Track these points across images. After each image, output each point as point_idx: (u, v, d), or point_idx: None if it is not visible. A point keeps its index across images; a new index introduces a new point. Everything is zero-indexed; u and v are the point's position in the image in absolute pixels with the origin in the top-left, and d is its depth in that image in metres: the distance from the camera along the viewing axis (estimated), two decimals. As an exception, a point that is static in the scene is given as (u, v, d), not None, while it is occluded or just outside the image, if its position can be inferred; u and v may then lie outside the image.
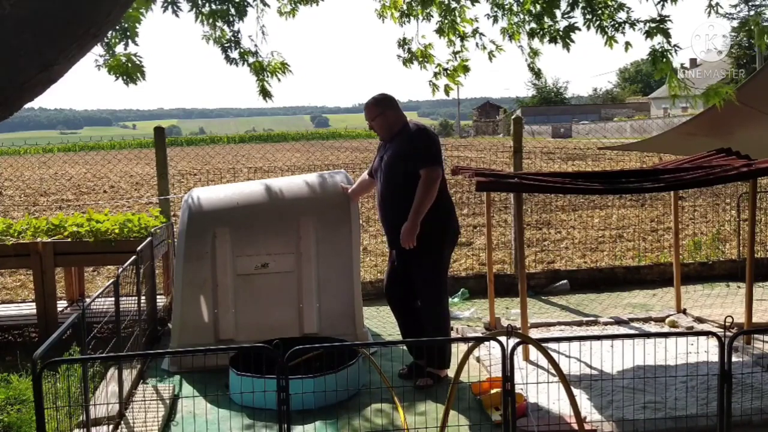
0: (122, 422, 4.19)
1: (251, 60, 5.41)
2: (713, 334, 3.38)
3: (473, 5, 5.68)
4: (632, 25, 5.07)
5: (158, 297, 6.44)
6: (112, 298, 4.29)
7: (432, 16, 5.85)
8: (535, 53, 5.76)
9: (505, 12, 5.66)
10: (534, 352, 5.09)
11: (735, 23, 46.85)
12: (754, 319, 5.44)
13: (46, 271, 6.05)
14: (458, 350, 5.26)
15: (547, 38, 5.41)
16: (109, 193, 17.63)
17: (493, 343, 3.40)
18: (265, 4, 5.50)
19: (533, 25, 5.47)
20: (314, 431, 4.22)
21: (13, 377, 4.95)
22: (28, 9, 2.37)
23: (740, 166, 5.20)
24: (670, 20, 4.85)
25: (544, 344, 3.70)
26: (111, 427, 4.08)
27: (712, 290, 7.35)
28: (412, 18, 5.88)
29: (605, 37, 5.16)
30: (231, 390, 4.68)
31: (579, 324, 6.13)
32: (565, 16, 5.25)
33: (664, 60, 4.86)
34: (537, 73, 6.02)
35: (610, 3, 5.15)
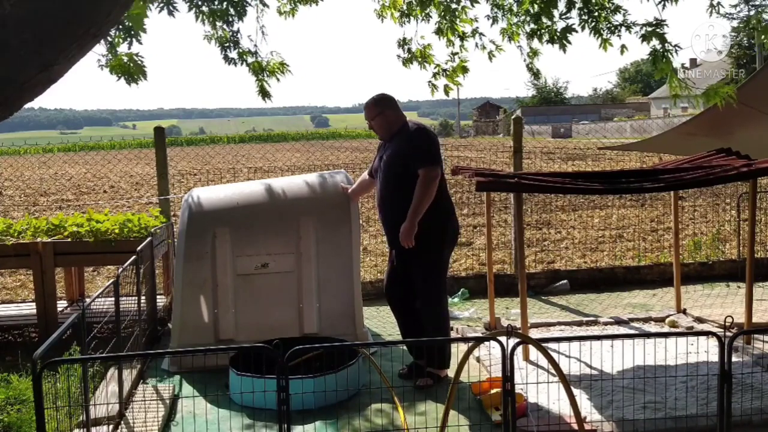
0: (122, 422, 4.19)
1: (250, 60, 5.41)
2: (713, 334, 3.38)
3: (473, 6, 5.68)
4: (628, 28, 5.07)
5: (158, 297, 6.44)
6: (112, 298, 4.29)
7: (431, 17, 5.85)
8: (534, 53, 5.76)
9: (505, 13, 5.66)
10: (534, 352, 5.09)
11: (735, 23, 46.89)
12: (754, 319, 5.44)
13: (46, 271, 6.05)
14: (458, 350, 5.25)
15: (546, 39, 5.41)
16: (109, 193, 17.63)
17: (493, 343, 3.40)
18: (264, 4, 5.49)
19: (533, 25, 5.47)
20: (314, 431, 4.22)
21: (13, 377, 4.95)
22: (28, 9, 2.37)
23: (740, 166, 5.20)
24: (666, 24, 4.85)
25: (544, 344, 3.70)
26: (111, 427, 4.08)
27: (712, 290, 7.35)
28: (411, 18, 5.88)
29: (600, 39, 5.16)
30: (231, 390, 4.68)
31: (579, 324, 6.13)
32: (563, 17, 5.25)
33: (664, 60, 4.85)
34: (536, 74, 6.02)
35: (606, 5, 5.15)
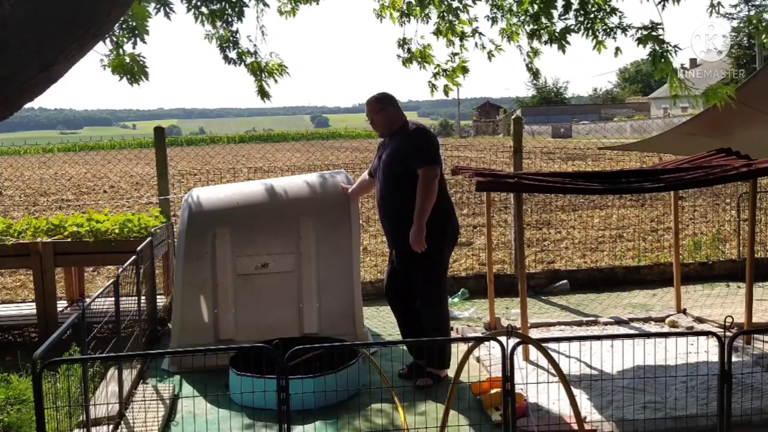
0: (122, 422, 4.19)
1: (249, 60, 5.41)
2: (713, 334, 3.38)
3: (475, 3, 5.68)
4: (624, 30, 5.07)
5: (158, 297, 6.44)
6: (112, 298, 4.29)
7: (430, 18, 5.85)
8: (535, 53, 5.76)
9: (505, 13, 5.66)
10: (534, 352, 5.09)
11: (735, 23, 46.90)
12: (754, 319, 5.44)
13: (46, 271, 6.05)
14: (458, 350, 5.26)
15: (545, 39, 5.41)
16: (109, 193, 17.63)
17: (493, 343, 3.40)
18: (264, 4, 5.50)
19: (532, 26, 5.47)
20: (314, 431, 4.22)
21: (13, 377, 4.95)
22: (28, 9, 2.37)
23: (740, 166, 5.20)
24: (662, 27, 4.85)
25: (544, 344, 3.70)
26: (111, 427, 4.08)
27: (712, 290, 7.35)
28: (411, 18, 5.88)
29: (594, 41, 5.16)
30: (231, 390, 4.68)
31: (579, 324, 6.13)
32: (561, 18, 5.26)
33: (663, 61, 4.85)
34: (535, 74, 6.02)
35: (603, 6, 5.15)
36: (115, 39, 4.32)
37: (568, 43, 5.31)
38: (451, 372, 4.94)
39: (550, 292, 7.54)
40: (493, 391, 4.31)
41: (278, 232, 5.47)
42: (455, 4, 5.73)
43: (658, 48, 4.84)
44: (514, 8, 5.62)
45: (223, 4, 5.22)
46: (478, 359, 5.22)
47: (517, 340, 3.33)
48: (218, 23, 5.29)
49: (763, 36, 5.01)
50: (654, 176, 5.30)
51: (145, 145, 31.43)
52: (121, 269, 4.54)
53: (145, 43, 4.33)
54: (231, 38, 5.38)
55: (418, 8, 5.79)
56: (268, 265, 5.40)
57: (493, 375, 4.77)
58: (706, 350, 5.21)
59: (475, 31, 5.87)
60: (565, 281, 7.66)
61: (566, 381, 3.42)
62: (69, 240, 6.12)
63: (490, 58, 5.94)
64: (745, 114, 6.08)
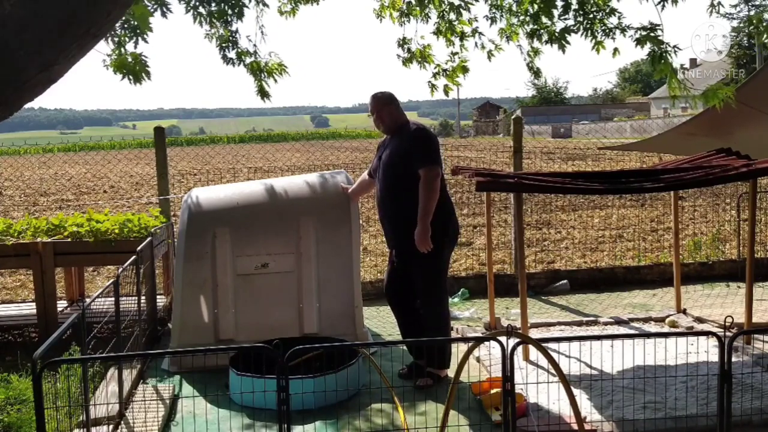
0: (122, 422, 4.19)
1: (248, 60, 5.41)
2: (713, 334, 3.38)
3: (476, 2, 5.68)
4: (623, 31, 5.07)
5: (158, 297, 6.44)
6: (112, 298, 4.29)
7: (430, 17, 5.85)
8: (535, 52, 5.76)
9: (504, 13, 5.66)
10: (534, 352, 5.09)
11: (735, 23, 46.90)
12: (754, 319, 5.44)
13: (46, 271, 6.05)
14: (458, 350, 5.26)
15: (545, 39, 5.41)
16: (109, 193, 17.62)
17: (493, 343, 3.40)
18: (264, 4, 5.50)
19: (532, 25, 5.47)
20: (314, 431, 4.22)
21: (13, 377, 4.95)
22: (28, 9, 2.37)
23: (740, 166, 5.20)
24: (661, 28, 4.85)
25: (544, 344, 3.70)
26: (111, 427, 4.08)
27: (712, 290, 7.35)
28: (411, 18, 5.88)
29: (594, 41, 5.16)
30: (231, 390, 4.68)
31: (579, 324, 6.13)
32: (561, 18, 5.26)
33: (662, 61, 4.85)
34: (536, 73, 6.02)
35: (602, 7, 5.15)
36: (116, 38, 4.33)
37: (568, 42, 5.31)
38: (451, 372, 4.94)
39: (550, 292, 7.54)
40: (493, 391, 4.31)
41: (278, 232, 5.47)
42: (456, 2, 5.73)
43: (656, 49, 4.84)
44: (514, 8, 5.62)
45: (222, 5, 5.22)
46: (478, 359, 5.22)
47: (517, 340, 3.33)
48: (217, 23, 5.29)
49: (764, 36, 5.01)
50: (654, 176, 5.30)
51: (145, 145, 31.42)
52: (121, 269, 4.54)
53: (146, 42, 4.34)
54: (230, 38, 5.38)
55: (417, 8, 5.79)
56: (268, 265, 5.40)
57: (493, 375, 4.77)
58: (706, 350, 5.21)
59: (474, 31, 5.87)
60: (565, 281, 7.66)
61: (566, 381, 3.42)
62: (69, 240, 6.12)
63: (489, 57, 5.95)
64: (745, 114, 6.08)
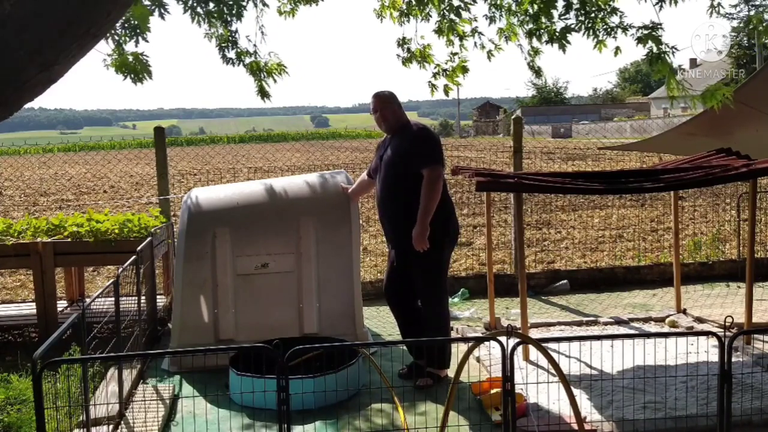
0: (122, 422, 4.19)
1: (248, 60, 5.41)
2: (713, 334, 3.38)
3: (475, 2, 5.68)
4: (624, 30, 5.07)
5: (158, 297, 6.44)
6: (112, 298, 4.29)
7: (431, 16, 5.85)
8: (536, 52, 5.75)
9: (503, 12, 5.66)
10: (534, 352, 5.09)
11: (735, 23, 46.89)
12: (754, 319, 5.44)
13: (46, 271, 6.05)
14: (458, 350, 5.26)
15: (545, 39, 5.41)
16: (109, 193, 17.62)
17: (493, 343, 3.40)
18: (264, 4, 5.50)
19: (532, 25, 5.47)
20: (314, 431, 4.22)
21: (13, 377, 4.95)
22: (28, 9, 2.38)
23: (740, 166, 5.20)
24: (662, 28, 4.85)
25: (544, 344, 3.70)
26: (111, 427, 4.08)
27: (712, 290, 7.36)
28: (411, 17, 5.88)
29: (596, 40, 5.16)
30: (231, 390, 4.68)
31: (579, 324, 6.13)
32: (562, 17, 5.26)
33: (661, 62, 4.85)
34: (537, 72, 6.02)
35: (603, 6, 5.15)
36: (117, 38, 4.33)
37: (568, 42, 5.31)
38: (451, 372, 4.94)
39: (550, 292, 7.54)
40: (493, 391, 4.31)
41: (278, 232, 5.47)
42: (456, 2, 5.73)
43: (656, 48, 4.85)
44: (513, 8, 5.62)
45: (220, 6, 5.22)
46: (478, 359, 5.22)
47: (517, 340, 3.33)
48: (216, 23, 5.29)
49: (763, 36, 5.01)
50: (654, 176, 5.30)
51: (145, 145, 31.43)
52: (121, 269, 4.54)
53: (147, 41, 4.35)
54: (230, 38, 5.38)
55: (417, 8, 5.79)
56: (268, 265, 5.40)
57: (493, 375, 4.77)
58: (706, 350, 5.21)
59: (474, 31, 5.87)
60: (565, 281, 7.66)
61: (566, 381, 3.43)
62: (69, 240, 6.12)
63: (489, 57, 5.94)
64: (745, 114, 6.08)
